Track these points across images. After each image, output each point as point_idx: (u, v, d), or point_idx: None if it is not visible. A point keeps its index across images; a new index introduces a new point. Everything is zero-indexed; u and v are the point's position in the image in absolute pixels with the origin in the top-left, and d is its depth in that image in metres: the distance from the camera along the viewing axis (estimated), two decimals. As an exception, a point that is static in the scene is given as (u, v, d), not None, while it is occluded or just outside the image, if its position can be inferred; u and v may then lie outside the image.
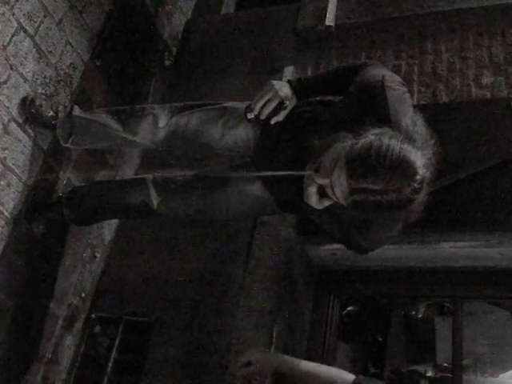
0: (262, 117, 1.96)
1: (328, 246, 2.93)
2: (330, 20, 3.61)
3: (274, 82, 1.96)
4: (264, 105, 1.93)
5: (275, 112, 1.96)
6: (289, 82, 2.02)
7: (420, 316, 4.57)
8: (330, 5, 3.63)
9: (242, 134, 2.22)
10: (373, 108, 1.69)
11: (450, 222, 2.71)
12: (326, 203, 1.67)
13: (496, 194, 2.70)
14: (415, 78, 3.28)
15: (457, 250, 2.82)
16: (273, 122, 1.98)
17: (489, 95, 3.11)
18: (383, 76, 1.77)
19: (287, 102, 1.97)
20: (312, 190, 1.66)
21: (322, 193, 1.64)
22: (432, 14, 3.55)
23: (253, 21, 3.96)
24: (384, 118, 1.64)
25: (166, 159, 3.12)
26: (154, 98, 3.58)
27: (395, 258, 2.95)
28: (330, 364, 2.44)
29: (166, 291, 2.98)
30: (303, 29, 3.67)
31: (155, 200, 2.39)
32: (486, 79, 3.15)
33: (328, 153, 1.58)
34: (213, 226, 3.03)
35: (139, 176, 2.62)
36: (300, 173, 1.71)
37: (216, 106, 2.31)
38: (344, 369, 4.27)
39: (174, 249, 3.08)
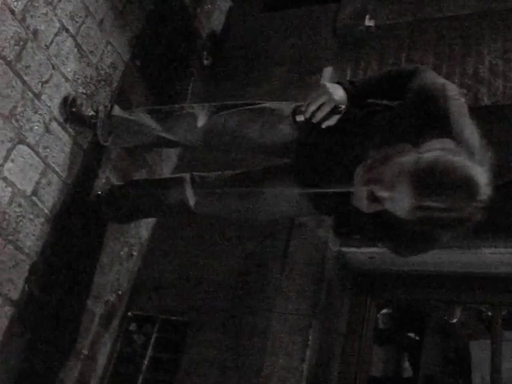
0: (315, 120, 1.91)
1: (365, 249, 2.91)
2: (369, 20, 3.57)
3: (328, 85, 1.92)
4: (317, 108, 1.89)
5: (328, 116, 1.91)
6: (341, 83, 1.96)
7: (455, 320, 4.50)
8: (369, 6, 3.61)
9: (280, 134, 2.19)
10: (433, 117, 1.67)
11: (491, 228, 2.66)
12: (378, 208, 1.65)
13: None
14: (456, 80, 3.22)
15: (497, 257, 2.77)
16: (324, 126, 1.93)
17: (532, 98, 3.05)
18: (444, 85, 1.75)
19: (343, 107, 1.92)
20: (363, 195, 1.65)
21: (374, 198, 1.63)
22: (474, 15, 3.49)
23: (292, 21, 3.95)
24: (445, 129, 1.62)
25: (204, 159, 3.12)
26: (193, 98, 3.59)
27: (433, 263, 2.91)
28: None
29: (201, 291, 2.98)
30: (342, 29, 3.65)
31: (192, 199, 2.39)
32: (530, 82, 3.10)
33: (390, 165, 1.56)
34: (250, 227, 3.02)
35: (177, 175, 2.63)
36: (349, 188, 1.70)
37: (255, 106, 2.29)
38: (378, 371, 4.25)
39: (210, 248, 3.09)
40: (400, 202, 1.50)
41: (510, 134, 2.83)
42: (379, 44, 3.57)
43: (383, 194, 1.56)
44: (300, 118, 1.96)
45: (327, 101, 1.88)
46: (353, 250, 2.95)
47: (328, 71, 3.47)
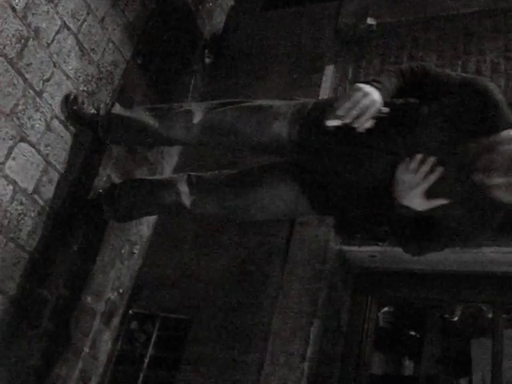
0: (358, 125, 1.82)
1: (366, 248, 2.91)
2: (371, 19, 3.57)
3: (365, 87, 1.83)
4: (360, 113, 1.81)
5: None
6: (372, 85, 1.87)
7: (456, 319, 4.50)
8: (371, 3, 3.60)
9: (277, 132, 2.15)
10: (486, 109, 1.79)
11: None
12: (433, 205, 1.80)
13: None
14: (458, 79, 3.22)
15: (498, 256, 2.77)
16: (361, 130, 1.85)
17: (534, 97, 3.05)
18: (484, 79, 1.93)
19: (385, 110, 1.85)
20: (420, 191, 1.78)
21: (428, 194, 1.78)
22: (476, 13, 3.49)
23: (293, 19, 3.94)
24: (500, 119, 1.77)
25: (205, 158, 3.13)
26: (194, 96, 3.59)
27: (435, 262, 2.91)
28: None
29: (202, 289, 2.99)
30: (344, 27, 3.64)
31: (188, 199, 2.39)
32: (532, 80, 3.10)
33: (500, 153, 1.68)
34: (251, 225, 3.03)
35: (174, 175, 2.63)
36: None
37: (251, 104, 2.29)
38: (378, 370, 4.23)
39: (211, 246, 3.09)
40: None
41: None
42: (381, 42, 3.57)
43: (499, 180, 1.66)
44: (334, 123, 1.82)
45: (371, 104, 1.81)
46: (354, 248, 2.95)
47: (330, 70, 3.47)
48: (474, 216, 1.86)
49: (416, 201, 1.80)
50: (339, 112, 1.81)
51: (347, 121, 1.81)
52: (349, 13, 3.65)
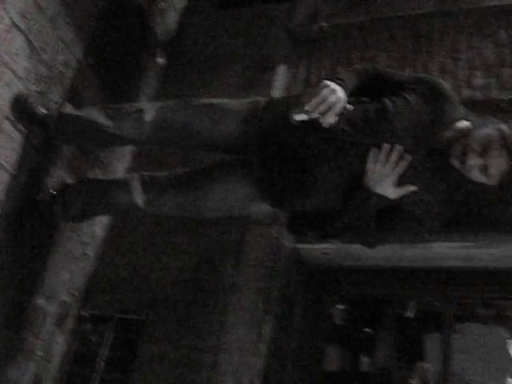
0: (324, 120, 1.88)
1: (319, 245, 2.95)
2: (322, 20, 3.61)
3: (332, 84, 1.89)
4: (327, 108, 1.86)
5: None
6: (336, 82, 1.92)
7: (411, 315, 4.58)
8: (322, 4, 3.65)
9: (230, 130, 2.17)
10: (441, 104, 1.93)
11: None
12: (402, 192, 1.90)
13: (485, 196, 2.72)
14: (407, 79, 3.28)
15: (447, 251, 2.84)
16: (326, 125, 1.90)
17: (480, 96, 3.13)
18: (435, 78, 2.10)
19: (349, 106, 1.90)
20: (392, 180, 1.89)
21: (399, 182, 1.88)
22: (425, 15, 3.57)
23: (246, 19, 3.96)
24: (454, 111, 1.93)
25: (158, 158, 3.12)
26: (147, 96, 3.57)
27: (387, 258, 2.97)
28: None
29: (157, 289, 2.99)
30: (296, 28, 3.68)
31: (141, 199, 2.38)
32: (478, 80, 3.18)
33: (474, 137, 1.81)
34: (205, 225, 3.03)
35: (126, 175, 2.62)
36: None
37: (204, 102, 2.29)
38: (335, 366, 4.28)
39: (165, 247, 3.09)
40: (496, 166, 1.77)
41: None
42: (332, 43, 3.62)
43: (477, 161, 1.78)
44: (301, 118, 1.87)
45: (337, 101, 1.87)
46: (307, 246, 2.99)
47: (282, 70, 3.49)
48: (438, 201, 1.95)
49: (388, 189, 1.90)
50: (307, 107, 1.86)
51: (314, 116, 1.87)
52: (300, 13, 3.69)
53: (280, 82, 3.46)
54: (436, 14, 3.56)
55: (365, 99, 2.06)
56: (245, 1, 4.14)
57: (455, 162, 1.84)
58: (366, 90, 2.07)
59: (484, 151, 1.78)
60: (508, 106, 2.99)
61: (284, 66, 3.54)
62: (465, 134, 1.85)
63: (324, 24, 3.62)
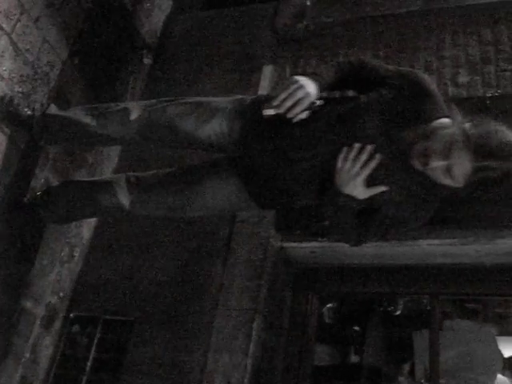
0: (290, 115, 1.89)
1: (307, 244, 2.95)
2: (308, 19, 3.62)
3: (301, 79, 1.90)
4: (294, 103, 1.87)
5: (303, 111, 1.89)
6: (309, 77, 1.94)
7: (398, 313, 4.60)
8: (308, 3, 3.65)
9: (216, 128, 2.16)
10: (422, 99, 1.88)
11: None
12: (373, 193, 1.87)
13: (471, 192, 2.73)
14: (393, 77, 3.29)
15: (434, 248, 2.85)
16: (296, 120, 1.91)
17: (465, 94, 3.15)
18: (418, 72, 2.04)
19: (318, 102, 1.91)
20: (361, 180, 1.84)
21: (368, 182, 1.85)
22: (409, 13, 3.58)
23: (232, 19, 3.96)
24: (435, 107, 1.87)
25: (145, 158, 3.11)
26: (133, 96, 3.56)
27: (373, 256, 2.98)
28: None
29: (145, 290, 2.98)
30: (281, 27, 3.68)
31: (127, 200, 2.37)
32: (462, 78, 3.19)
33: (437, 138, 1.74)
34: (192, 224, 3.03)
35: (111, 176, 2.60)
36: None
37: (190, 100, 2.28)
38: (324, 362, 4.28)
39: (153, 247, 3.08)
40: (459, 167, 1.67)
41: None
42: (318, 42, 3.62)
43: (439, 163, 1.71)
44: (270, 112, 1.90)
45: (305, 96, 1.87)
46: (294, 244, 2.99)
47: (268, 69, 3.50)
48: (411, 202, 1.92)
49: (357, 189, 1.86)
50: (274, 102, 1.88)
51: (281, 111, 1.88)
52: (286, 13, 3.69)
53: (266, 82, 3.46)
54: (420, 12, 3.57)
55: (338, 95, 2.07)
56: (231, 0, 4.15)
57: (416, 163, 1.79)
58: (353, 82, 2.05)
59: (447, 152, 1.70)
60: (492, 104, 3.01)
61: (270, 66, 3.54)
62: (428, 134, 1.78)
63: (310, 23, 3.62)
